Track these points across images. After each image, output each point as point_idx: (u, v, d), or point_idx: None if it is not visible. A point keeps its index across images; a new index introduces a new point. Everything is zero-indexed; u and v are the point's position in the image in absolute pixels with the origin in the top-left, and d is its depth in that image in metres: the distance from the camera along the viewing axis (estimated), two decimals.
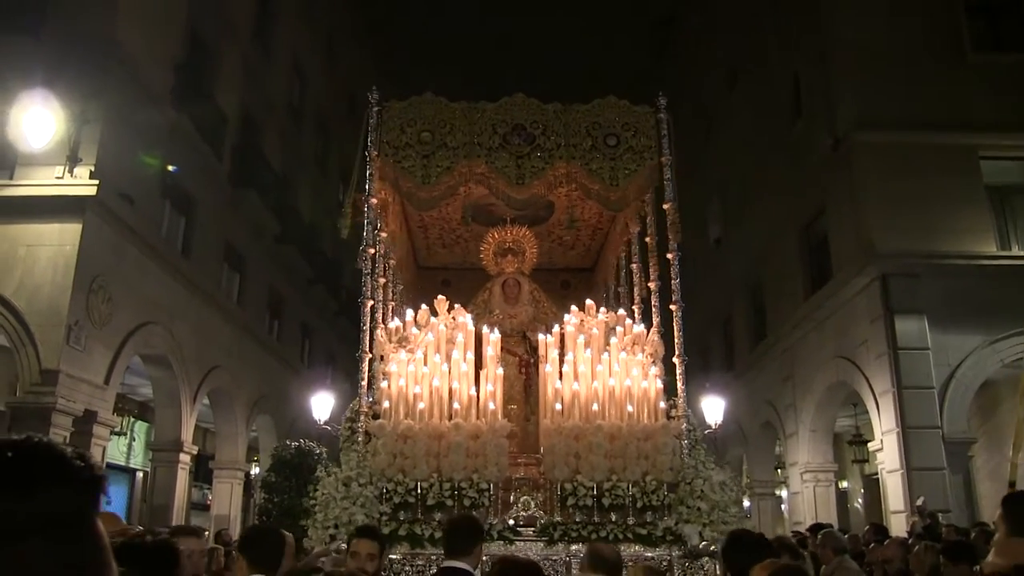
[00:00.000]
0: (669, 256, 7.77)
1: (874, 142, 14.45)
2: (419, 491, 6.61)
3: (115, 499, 17.93)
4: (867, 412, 14.63)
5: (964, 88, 14.42)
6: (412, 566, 6.48)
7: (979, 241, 13.86)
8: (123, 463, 19.02)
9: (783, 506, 21.47)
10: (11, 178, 12.43)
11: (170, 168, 14.87)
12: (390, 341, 7.36)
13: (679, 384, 7.52)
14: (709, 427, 14.80)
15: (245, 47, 19.15)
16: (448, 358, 7.18)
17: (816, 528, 9.06)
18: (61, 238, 12.14)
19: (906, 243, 13.64)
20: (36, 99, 11.74)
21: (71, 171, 12.28)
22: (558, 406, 7.08)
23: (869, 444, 15.29)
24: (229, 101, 17.86)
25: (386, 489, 6.60)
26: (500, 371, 7.25)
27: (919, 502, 10.99)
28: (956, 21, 15.17)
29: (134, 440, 19.53)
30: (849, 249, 14.95)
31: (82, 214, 12.23)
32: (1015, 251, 14.16)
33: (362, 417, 6.99)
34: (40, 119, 11.75)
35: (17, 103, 11.76)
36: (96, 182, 12.25)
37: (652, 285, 8.12)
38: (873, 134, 14.45)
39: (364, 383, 7.09)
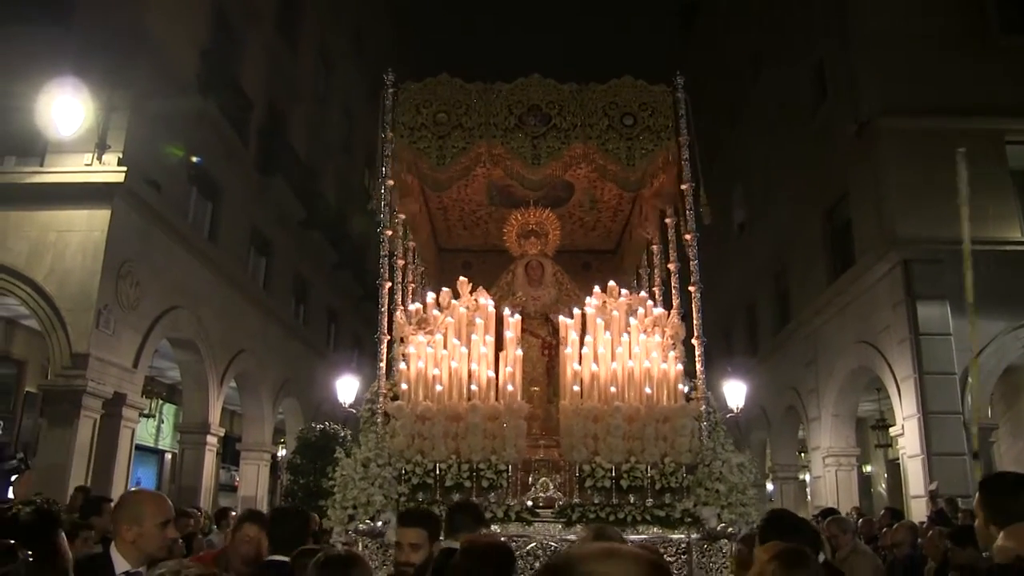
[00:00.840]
0: (687, 237, 7.67)
1: (898, 127, 14.36)
2: (437, 472, 6.63)
3: (144, 480, 18.28)
4: (890, 397, 14.60)
5: (991, 72, 14.23)
6: None
7: (1003, 227, 13.73)
8: (152, 445, 19.37)
9: (807, 490, 21.46)
10: (41, 165, 12.68)
11: (194, 160, 15.06)
12: (409, 323, 7.43)
13: (698, 366, 7.47)
14: (731, 411, 14.86)
15: (271, 33, 19.28)
16: (468, 340, 7.22)
17: (827, 513, 9.11)
18: (90, 224, 12.37)
19: (929, 229, 13.52)
20: (65, 87, 11.93)
21: (99, 158, 12.50)
22: (576, 388, 7.11)
23: (891, 429, 15.26)
24: (255, 87, 18.01)
25: (404, 470, 6.62)
26: (519, 352, 7.26)
27: (932, 486, 10.99)
28: (984, 3, 14.99)
29: (163, 422, 19.88)
30: (872, 234, 14.88)
31: (110, 200, 12.45)
32: None
33: (381, 398, 7.06)
34: (69, 107, 11.95)
35: (47, 91, 11.97)
36: (124, 169, 12.47)
37: (671, 266, 8.07)
38: (897, 119, 14.35)
39: (383, 364, 7.16)
